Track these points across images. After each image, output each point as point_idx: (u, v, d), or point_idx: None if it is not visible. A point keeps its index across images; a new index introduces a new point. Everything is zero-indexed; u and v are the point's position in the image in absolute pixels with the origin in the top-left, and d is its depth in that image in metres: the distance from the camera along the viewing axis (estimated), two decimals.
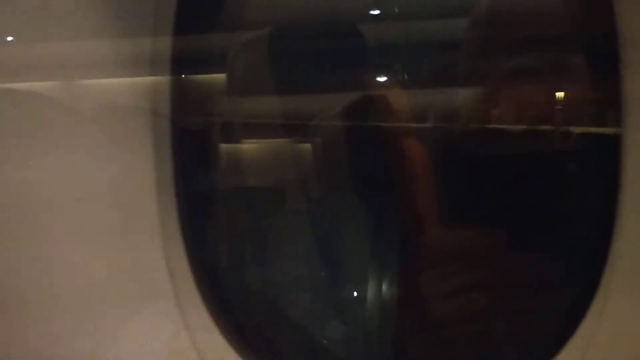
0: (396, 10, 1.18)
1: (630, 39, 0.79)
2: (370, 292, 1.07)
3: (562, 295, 0.94)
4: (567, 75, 0.92)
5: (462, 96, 1.04)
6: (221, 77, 1.10)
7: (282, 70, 1.11)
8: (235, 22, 1.11)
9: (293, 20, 1.10)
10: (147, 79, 1.00)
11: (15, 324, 0.99)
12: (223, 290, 1.06)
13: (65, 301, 0.99)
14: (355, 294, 1.12)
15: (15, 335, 0.99)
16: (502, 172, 0.97)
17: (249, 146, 1.16)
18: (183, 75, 1.03)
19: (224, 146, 1.12)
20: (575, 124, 0.92)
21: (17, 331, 0.99)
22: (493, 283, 0.95)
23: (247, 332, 1.04)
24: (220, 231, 1.12)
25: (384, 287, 1.07)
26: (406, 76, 1.17)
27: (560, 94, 0.92)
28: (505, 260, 0.95)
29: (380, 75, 1.17)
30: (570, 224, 0.94)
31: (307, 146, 1.13)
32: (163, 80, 1.01)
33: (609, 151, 0.83)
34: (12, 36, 0.96)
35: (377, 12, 1.16)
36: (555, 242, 0.94)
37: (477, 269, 0.96)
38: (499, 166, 0.97)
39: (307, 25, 1.09)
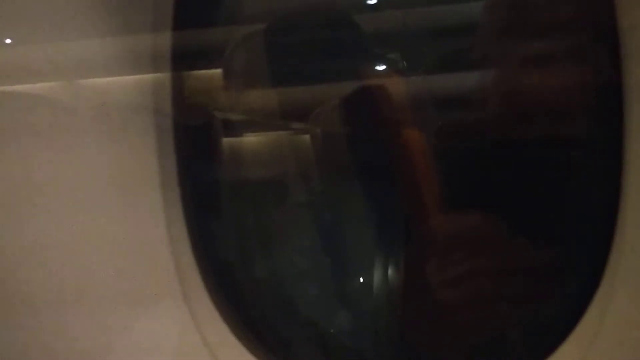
0: None
1: (630, 28, 0.79)
2: (376, 282, 1.08)
3: (565, 284, 0.95)
4: (567, 64, 0.92)
5: (464, 84, 1.04)
6: (221, 71, 1.10)
7: (282, 62, 1.11)
8: (233, 15, 1.11)
9: (291, 11, 1.10)
10: (148, 77, 1.00)
11: (24, 322, 1.00)
12: (230, 284, 1.07)
13: (72, 300, 0.99)
14: (361, 284, 1.13)
15: (25, 334, 1.00)
16: (506, 159, 0.97)
17: (252, 140, 1.16)
18: (184, 71, 1.03)
19: (226, 141, 1.12)
20: (577, 113, 0.93)
21: (26, 330, 1.00)
22: (497, 270, 0.96)
23: (255, 326, 1.05)
24: (225, 226, 1.13)
25: (390, 276, 1.08)
26: (405, 64, 1.17)
27: (562, 83, 0.92)
28: (509, 248, 0.96)
29: (379, 65, 1.16)
30: (574, 211, 0.94)
31: (309, 138, 1.13)
32: (164, 77, 1.01)
33: (612, 140, 0.83)
34: (10, 38, 0.95)
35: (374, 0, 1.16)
36: (558, 229, 0.95)
37: (481, 257, 0.96)
38: (503, 153, 0.97)
39: (305, 17, 1.09)
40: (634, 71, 0.79)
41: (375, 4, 1.16)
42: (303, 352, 1.13)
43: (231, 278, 1.09)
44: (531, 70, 0.94)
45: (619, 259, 0.82)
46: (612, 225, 0.84)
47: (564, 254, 0.95)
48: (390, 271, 1.08)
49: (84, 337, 0.99)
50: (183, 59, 1.02)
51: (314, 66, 1.09)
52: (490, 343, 1.00)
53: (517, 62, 0.95)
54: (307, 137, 1.13)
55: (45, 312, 1.00)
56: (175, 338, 1.00)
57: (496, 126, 1.00)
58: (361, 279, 1.13)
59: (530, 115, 0.96)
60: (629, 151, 0.82)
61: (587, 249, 0.92)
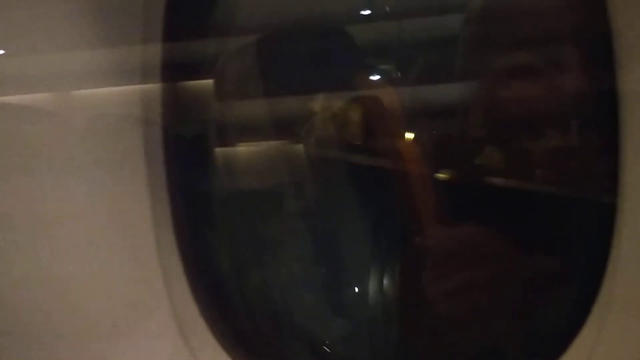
0: (387, 9, 1.18)
1: (624, 35, 0.78)
2: (371, 293, 1.07)
3: (565, 293, 0.93)
4: (561, 72, 0.91)
5: (457, 94, 1.03)
6: (212, 82, 1.09)
7: (275, 72, 1.11)
8: (224, 26, 1.11)
9: (283, 23, 1.10)
10: (138, 87, 1.00)
11: (14, 339, 0.99)
12: (220, 297, 1.05)
13: (63, 316, 0.99)
14: (355, 294, 1.12)
15: (16, 353, 0.99)
16: (502, 168, 0.96)
17: (242, 150, 1.15)
18: (174, 82, 1.03)
19: (216, 151, 1.11)
20: (571, 120, 0.92)
21: (18, 348, 0.99)
22: (494, 281, 0.95)
23: (243, 339, 1.04)
24: (215, 237, 1.12)
25: (385, 287, 1.07)
26: (399, 75, 1.17)
27: (555, 91, 0.92)
28: (506, 259, 0.95)
29: (372, 75, 1.16)
30: (571, 220, 0.93)
31: (302, 148, 1.12)
32: (154, 87, 1.00)
33: (607, 146, 0.82)
34: (2, 50, 0.96)
35: (367, 12, 1.16)
36: (556, 240, 0.94)
37: (477, 268, 0.95)
38: (499, 162, 0.96)
39: (297, 29, 1.09)
40: (628, 77, 0.78)
41: (368, 15, 1.16)
42: None
43: (221, 291, 1.07)
44: (523, 80, 0.94)
45: (617, 267, 0.80)
46: (610, 233, 0.82)
47: (561, 263, 0.93)
48: (385, 282, 1.07)
49: (74, 353, 0.98)
50: (173, 70, 1.01)
51: (307, 77, 1.09)
52: (489, 354, 0.99)
53: (509, 73, 0.95)
54: (300, 147, 1.12)
55: (37, 329, 0.99)
56: (165, 353, 0.99)
57: (491, 136, 0.99)
58: (356, 290, 1.12)
59: (525, 124, 0.96)
60: (626, 157, 0.80)
61: (585, 258, 0.90)
